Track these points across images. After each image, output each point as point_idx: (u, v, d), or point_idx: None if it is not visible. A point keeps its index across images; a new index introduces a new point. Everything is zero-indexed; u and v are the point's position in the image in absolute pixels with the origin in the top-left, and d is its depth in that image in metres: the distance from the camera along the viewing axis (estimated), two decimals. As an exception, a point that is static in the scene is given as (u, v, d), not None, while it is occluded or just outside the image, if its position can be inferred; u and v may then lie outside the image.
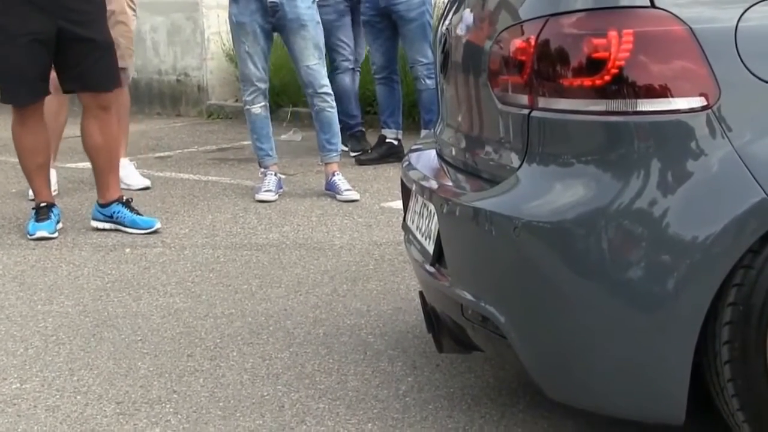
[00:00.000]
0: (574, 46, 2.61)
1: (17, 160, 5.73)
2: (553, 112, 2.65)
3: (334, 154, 6.38)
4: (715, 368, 2.55)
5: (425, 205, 3.18)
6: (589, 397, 2.70)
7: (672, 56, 2.54)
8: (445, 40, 3.22)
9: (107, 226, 5.63)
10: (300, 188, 6.59)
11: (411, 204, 3.38)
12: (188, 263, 5.03)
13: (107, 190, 5.65)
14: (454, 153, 3.19)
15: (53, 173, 6.34)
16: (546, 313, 2.66)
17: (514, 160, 2.75)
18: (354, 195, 6.20)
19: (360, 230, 5.51)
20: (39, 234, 5.49)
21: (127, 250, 5.30)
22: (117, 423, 3.30)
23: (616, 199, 2.54)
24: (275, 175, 6.41)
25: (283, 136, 8.25)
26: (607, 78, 2.55)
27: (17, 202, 6.40)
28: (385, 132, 7.46)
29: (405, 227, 3.48)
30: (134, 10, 6.65)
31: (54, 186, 6.32)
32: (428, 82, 7.15)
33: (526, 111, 2.70)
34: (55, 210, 5.65)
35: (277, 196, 6.31)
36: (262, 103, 6.36)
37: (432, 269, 3.07)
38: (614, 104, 2.56)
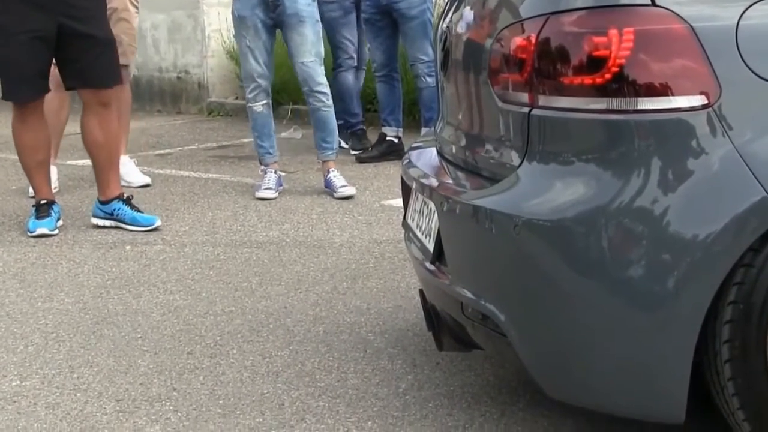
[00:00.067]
0: (574, 44, 2.61)
1: (17, 157, 5.73)
2: (554, 110, 2.65)
3: (330, 153, 6.38)
4: (716, 367, 2.55)
5: (425, 203, 3.18)
6: (589, 395, 2.69)
7: (673, 54, 2.54)
8: (446, 38, 3.22)
9: (107, 223, 5.64)
10: (300, 186, 6.59)
11: (411, 202, 3.38)
12: (188, 261, 5.03)
13: (108, 187, 5.65)
14: (454, 151, 3.19)
15: (54, 170, 6.34)
16: (546, 312, 2.66)
17: (515, 158, 2.75)
18: (349, 191, 6.21)
19: (360, 228, 5.51)
20: (39, 231, 5.49)
21: (128, 247, 5.30)
22: (117, 420, 3.30)
23: (616, 197, 2.54)
24: (275, 172, 6.41)
25: (284, 134, 8.25)
26: (607, 76, 2.55)
27: (17, 199, 6.40)
28: (386, 130, 7.46)
29: (405, 225, 3.48)
30: (137, 8, 6.65)
31: (55, 183, 6.33)
32: (429, 80, 7.15)
33: (526, 109, 2.70)
34: (55, 207, 5.65)
35: (277, 194, 6.32)
36: (264, 101, 6.36)
37: (432, 267, 3.07)
38: (615, 102, 2.55)
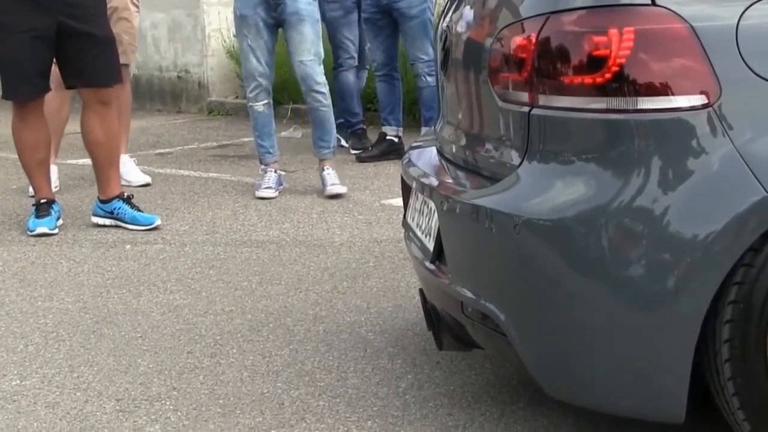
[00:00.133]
0: (574, 43, 2.61)
1: (17, 156, 5.73)
2: (554, 109, 2.65)
3: (326, 151, 6.39)
4: (716, 367, 2.55)
5: (425, 202, 3.18)
6: (589, 395, 2.69)
7: (673, 54, 2.53)
8: (446, 37, 3.22)
9: (108, 222, 5.64)
10: (300, 185, 6.59)
11: (411, 201, 3.38)
12: (188, 260, 5.03)
13: (108, 186, 5.65)
14: (454, 150, 3.19)
15: (55, 170, 6.35)
16: (546, 311, 2.66)
17: (515, 157, 2.75)
18: (338, 189, 6.23)
19: (360, 227, 5.51)
20: (39, 230, 5.49)
21: (128, 246, 5.30)
22: (117, 420, 3.29)
23: (616, 196, 2.53)
24: (275, 172, 6.42)
25: (284, 133, 8.25)
26: (607, 76, 2.55)
27: (17, 198, 6.40)
28: (386, 129, 7.46)
29: (405, 224, 3.48)
30: (137, 7, 6.65)
31: (56, 182, 6.33)
32: (429, 79, 7.15)
33: (526, 108, 2.70)
34: (55, 206, 5.65)
35: (277, 193, 6.32)
36: (265, 101, 6.36)
37: (432, 266, 3.07)
38: (615, 102, 2.55)
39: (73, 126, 6.34)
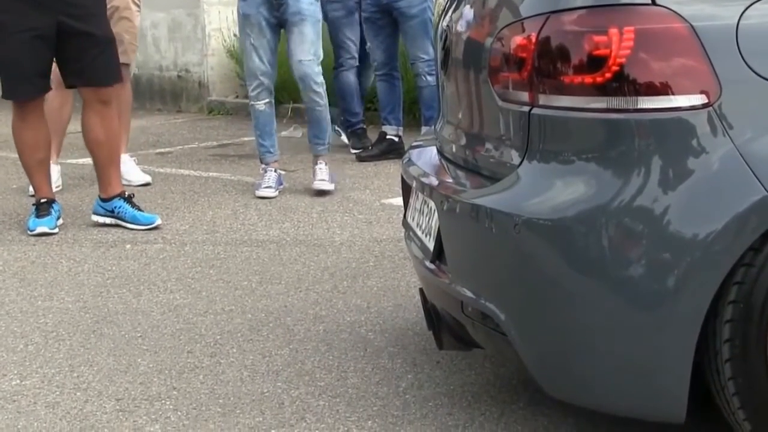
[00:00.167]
0: (575, 43, 2.61)
1: (17, 156, 5.73)
2: (554, 109, 2.65)
3: (321, 147, 6.42)
4: (716, 366, 2.55)
5: (425, 202, 3.17)
6: (589, 395, 2.69)
7: (673, 54, 2.53)
8: (446, 36, 3.22)
9: (108, 220, 5.64)
10: (300, 185, 6.59)
11: (411, 201, 3.38)
12: (188, 259, 5.03)
13: (109, 185, 5.65)
14: (454, 150, 3.19)
15: (56, 169, 6.35)
16: (546, 311, 2.66)
17: (515, 157, 2.75)
18: (324, 186, 6.27)
19: (360, 227, 5.51)
20: (39, 230, 5.49)
21: (128, 246, 5.30)
22: (117, 419, 3.29)
23: (616, 196, 2.53)
24: (276, 171, 6.42)
25: (284, 133, 8.25)
26: (608, 75, 2.55)
27: (18, 198, 6.40)
28: (386, 128, 7.47)
29: (405, 224, 3.48)
30: (138, 6, 6.65)
31: (58, 182, 6.33)
32: (429, 78, 7.15)
33: (526, 108, 2.70)
34: (55, 206, 5.65)
35: (277, 193, 6.32)
36: (267, 100, 6.36)
37: (432, 266, 3.07)
38: (615, 101, 2.55)
39: (74, 125, 6.34)
